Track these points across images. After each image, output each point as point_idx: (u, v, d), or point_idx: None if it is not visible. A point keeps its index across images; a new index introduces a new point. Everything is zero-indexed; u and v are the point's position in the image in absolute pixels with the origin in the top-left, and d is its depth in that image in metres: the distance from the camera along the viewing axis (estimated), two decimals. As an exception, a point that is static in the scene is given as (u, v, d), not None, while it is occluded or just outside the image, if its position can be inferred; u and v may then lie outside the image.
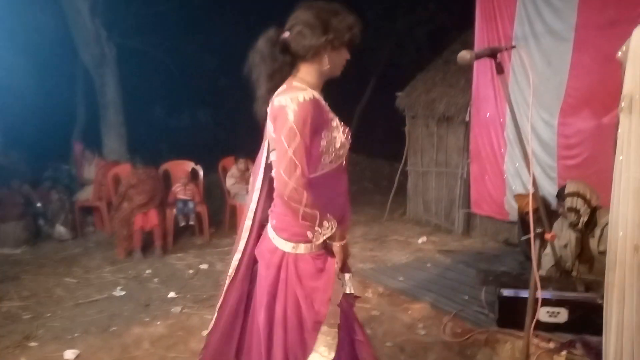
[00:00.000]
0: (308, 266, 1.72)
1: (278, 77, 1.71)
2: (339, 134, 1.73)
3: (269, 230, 1.82)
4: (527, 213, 1.77)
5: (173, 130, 11.41)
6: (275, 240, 1.77)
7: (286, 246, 1.74)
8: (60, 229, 6.16)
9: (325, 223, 1.67)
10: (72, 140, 7.52)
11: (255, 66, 1.76)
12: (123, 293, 4.32)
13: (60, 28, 7.69)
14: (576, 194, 3.40)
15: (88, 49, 7.47)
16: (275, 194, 1.76)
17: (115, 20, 7.74)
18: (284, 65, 1.72)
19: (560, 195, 3.55)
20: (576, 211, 3.41)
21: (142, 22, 8.84)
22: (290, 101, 1.60)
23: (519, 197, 4.76)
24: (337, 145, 1.73)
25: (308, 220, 1.66)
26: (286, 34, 1.72)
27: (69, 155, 7.89)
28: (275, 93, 1.69)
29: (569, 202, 3.43)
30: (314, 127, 1.64)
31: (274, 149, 1.74)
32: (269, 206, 1.88)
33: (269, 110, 1.73)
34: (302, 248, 1.72)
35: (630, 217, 1.43)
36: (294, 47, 1.70)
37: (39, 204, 6.25)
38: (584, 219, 3.40)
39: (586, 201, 3.37)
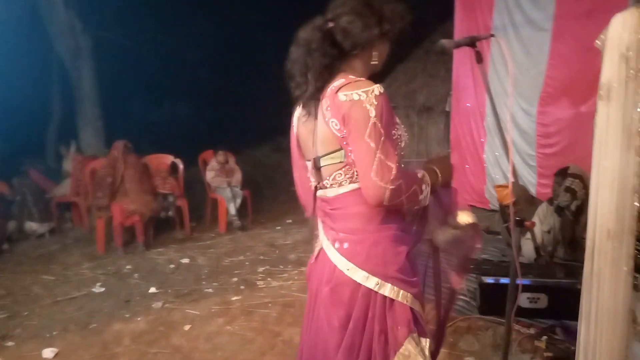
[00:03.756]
0: (405, 314, 1.47)
1: (327, 74, 1.47)
2: (402, 132, 1.52)
3: (339, 259, 1.49)
4: (507, 205, 1.77)
5: (152, 123, 11.24)
6: (353, 272, 1.46)
7: (369, 282, 1.45)
8: (32, 225, 6.05)
9: (424, 187, 1.48)
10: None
11: (298, 62, 1.49)
12: (103, 289, 4.25)
13: (33, 20, 7.49)
14: (579, 177, 3.47)
15: (63, 41, 7.30)
16: (353, 208, 1.48)
17: (90, 11, 7.55)
18: (334, 60, 1.47)
19: (562, 173, 3.58)
20: (572, 192, 3.47)
21: (119, 13, 8.66)
22: (365, 95, 1.37)
23: (498, 189, 4.80)
24: (403, 144, 1.51)
25: (412, 200, 1.45)
26: (330, 25, 1.48)
27: (44, 150, 7.73)
28: (334, 88, 1.44)
29: (569, 181, 3.50)
30: (390, 124, 1.43)
31: (330, 153, 1.48)
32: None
33: (326, 107, 1.44)
34: (401, 295, 1.47)
35: (607, 205, 1.43)
36: (342, 39, 1.46)
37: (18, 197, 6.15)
38: (577, 202, 3.46)
39: (585, 187, 3.44)
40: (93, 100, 7.59)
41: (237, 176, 6.47)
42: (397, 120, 1.51)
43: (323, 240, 1.57)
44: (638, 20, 1.35)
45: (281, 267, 4.68)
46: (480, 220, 5.63)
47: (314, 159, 1.52)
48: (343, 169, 1.46)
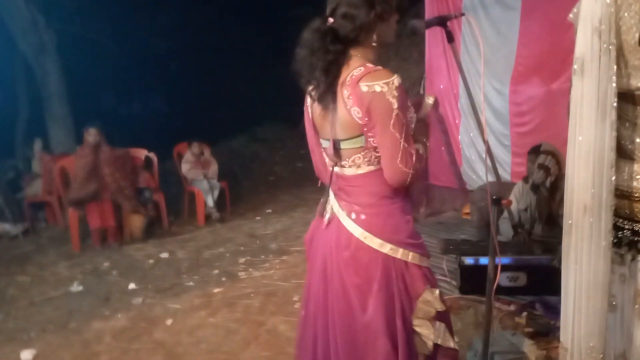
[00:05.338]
0: (418, 272, 1.64)
1: (335, 69, 1.56)
2: (412, 114, 1.65)
3: (355, 228, 1.63)
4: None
5: (123, 118, 11.03)
6: (370, 240, 1.61)
7: (384, 248, 1.60)
8: (5, 226, 5.88)
9: (422, 162, 1.61)
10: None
11: (304, 62, 1.59)
12: (81, 288, 4.17)
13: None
14: (551, 154, 3.53)
15: (25, 38, 7.07)
16: (370, 189, 1.62)
17: (53, 5, 7.32)
18: (338, 55, 1.56)
19: (535, 150, 3.63)
20: (546, 169, 3.51)
21: (83, 7, 8.41)
22: (387, 87, 1.48)
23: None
24: (413, 125, 1.64)
25: (419, 177, 1.62)
26: (330, 21, 1.57)
27: (14, 150, 7.53)
28: (354, 77, 1.52)
29: (542, 158, 3.54)
30: (407, 111, 1.56)
31: (351, 137, 1.58)
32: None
33: (347, 95, 1.54)
34: (411, 257, 1.63)
35: (583, 179, 1.44)
36: (343, 32, 1.55)
37: None
38: (551, 179, 3.51)
39: (558, 163, 3.49)
40: (61, 97, 7.39)
41: (214, 168, 6.40)
42: (409, 103, 1.63)
43: (337, 211, 1.70)
44: (610, -7, 1.35)
45: (262, 257, 4.66)
46: (458, 199, 5.71)
47: (333, 140, 1.63)
48: (362, 153, 1.59)
